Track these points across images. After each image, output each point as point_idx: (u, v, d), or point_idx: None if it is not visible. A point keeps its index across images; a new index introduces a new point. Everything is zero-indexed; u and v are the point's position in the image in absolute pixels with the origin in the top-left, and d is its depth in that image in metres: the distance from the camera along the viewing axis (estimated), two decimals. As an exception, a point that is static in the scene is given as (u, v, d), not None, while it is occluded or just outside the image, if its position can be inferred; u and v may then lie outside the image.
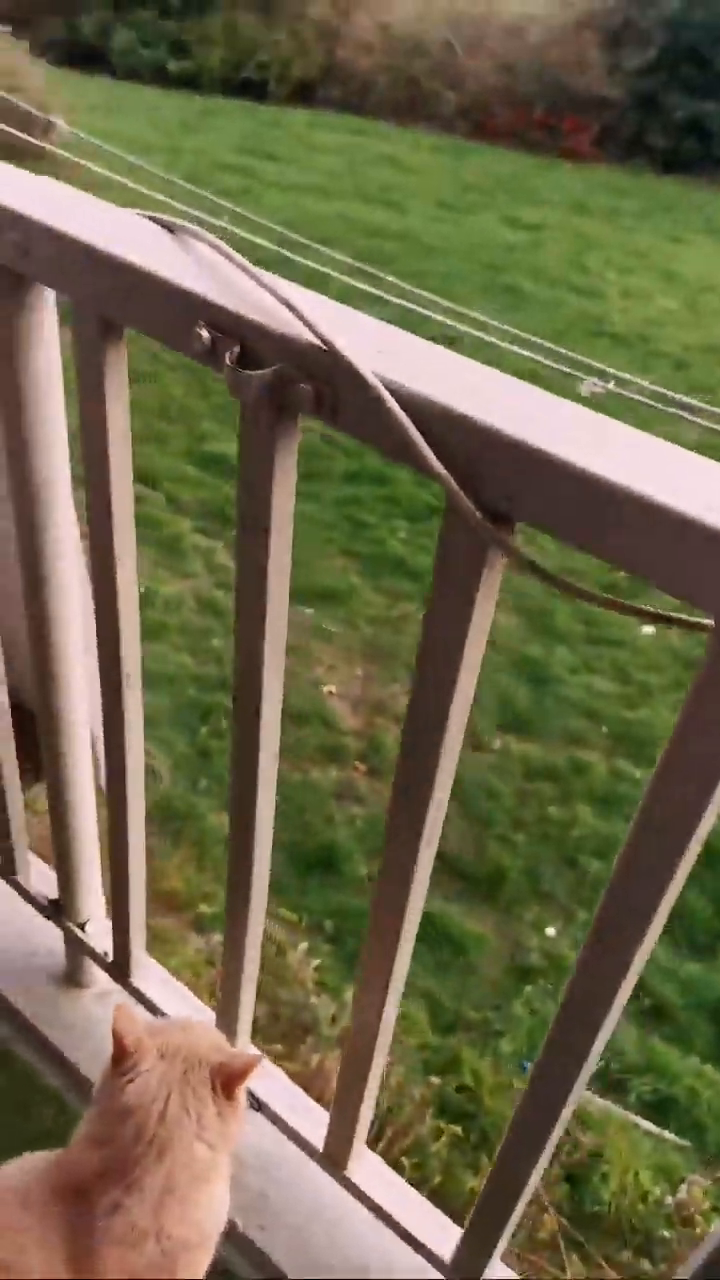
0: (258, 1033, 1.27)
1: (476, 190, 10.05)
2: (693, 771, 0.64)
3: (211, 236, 0.77)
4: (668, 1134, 3.27)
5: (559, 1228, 2.83)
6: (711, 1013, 3.67)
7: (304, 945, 3.44)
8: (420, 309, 5.34)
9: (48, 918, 1.46)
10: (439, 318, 5.24)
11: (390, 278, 5.97)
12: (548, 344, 5.34)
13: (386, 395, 0.64)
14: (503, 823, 4.54)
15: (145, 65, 10.98)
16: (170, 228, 0.80)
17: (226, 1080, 1.02)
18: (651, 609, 0.65)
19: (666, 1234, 2.97)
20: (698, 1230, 2.87)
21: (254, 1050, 1.16)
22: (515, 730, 4.92)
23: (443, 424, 0.64)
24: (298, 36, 11.05)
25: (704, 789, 0.64)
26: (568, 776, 4.82)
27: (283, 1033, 2.92)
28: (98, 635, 1.03)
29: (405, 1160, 2.62)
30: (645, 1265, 2.92)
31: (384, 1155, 1.24)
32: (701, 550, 0.56)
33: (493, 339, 5.48)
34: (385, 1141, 2.57)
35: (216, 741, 4.46)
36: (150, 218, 0.81)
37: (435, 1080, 3.38)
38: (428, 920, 4.30)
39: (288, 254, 5.66)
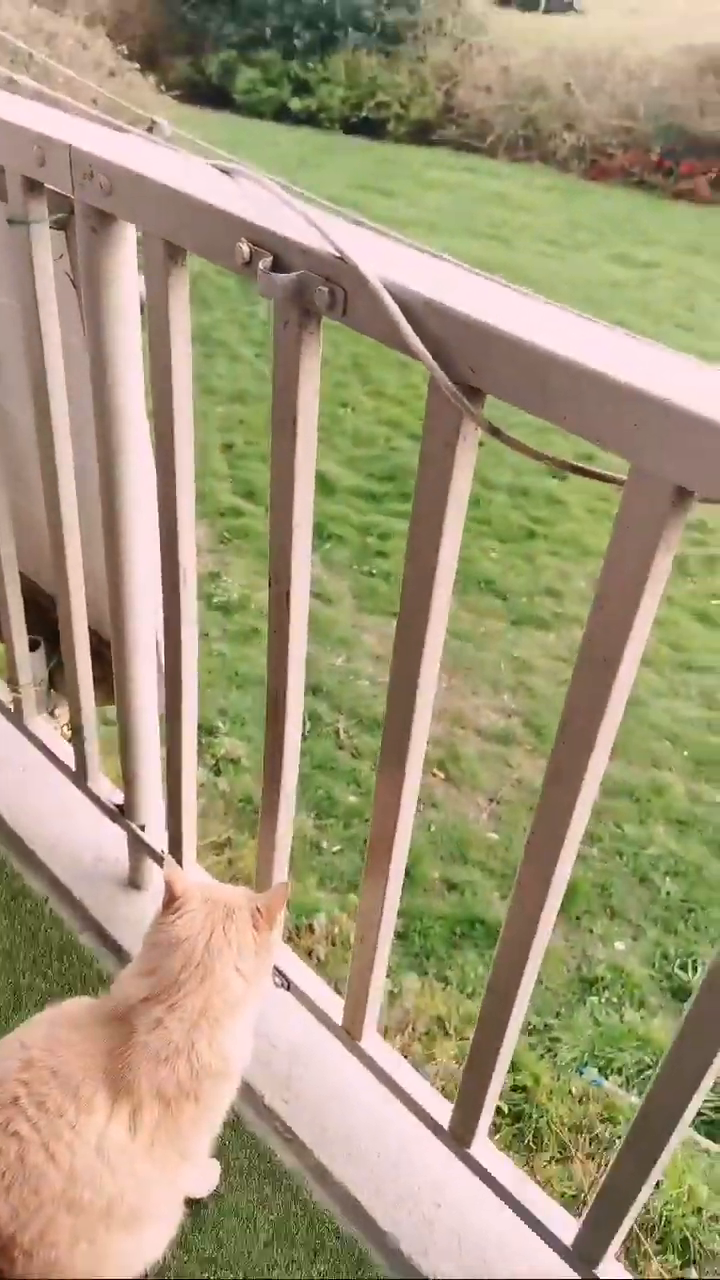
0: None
1: (587, 228, 10.15)
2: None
3: (259, 175, 0.93)
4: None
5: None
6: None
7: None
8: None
9: (113, 820, 1.63)
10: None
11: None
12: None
13: (382, 290, 0.79)
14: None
15: (267, 104, 11.49)
16: (227, 171, 0.96)
17: (268, 907, 1.17)
18: (591, 468, 0.78)
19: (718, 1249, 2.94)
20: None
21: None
22: (593, 748, 4.97)
23: (425, 312, 0.78)
24: (418, 77, 11.41)
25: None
26: (646, 796, 4.81)
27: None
28: (160, 536, 1.20)
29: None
30: (693, 1274, 2.90)
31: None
32: (641, 415, 0.68)
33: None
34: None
35: (301, 741, 4.63)
36: (211, 164, 0.98)
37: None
38: (497, 925, 4.32)
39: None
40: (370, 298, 0.79)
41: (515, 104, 11.15)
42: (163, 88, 9.26)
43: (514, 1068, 3.62)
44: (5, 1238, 1.09)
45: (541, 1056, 3.61)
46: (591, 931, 4.17)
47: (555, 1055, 3.62)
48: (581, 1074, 3.24)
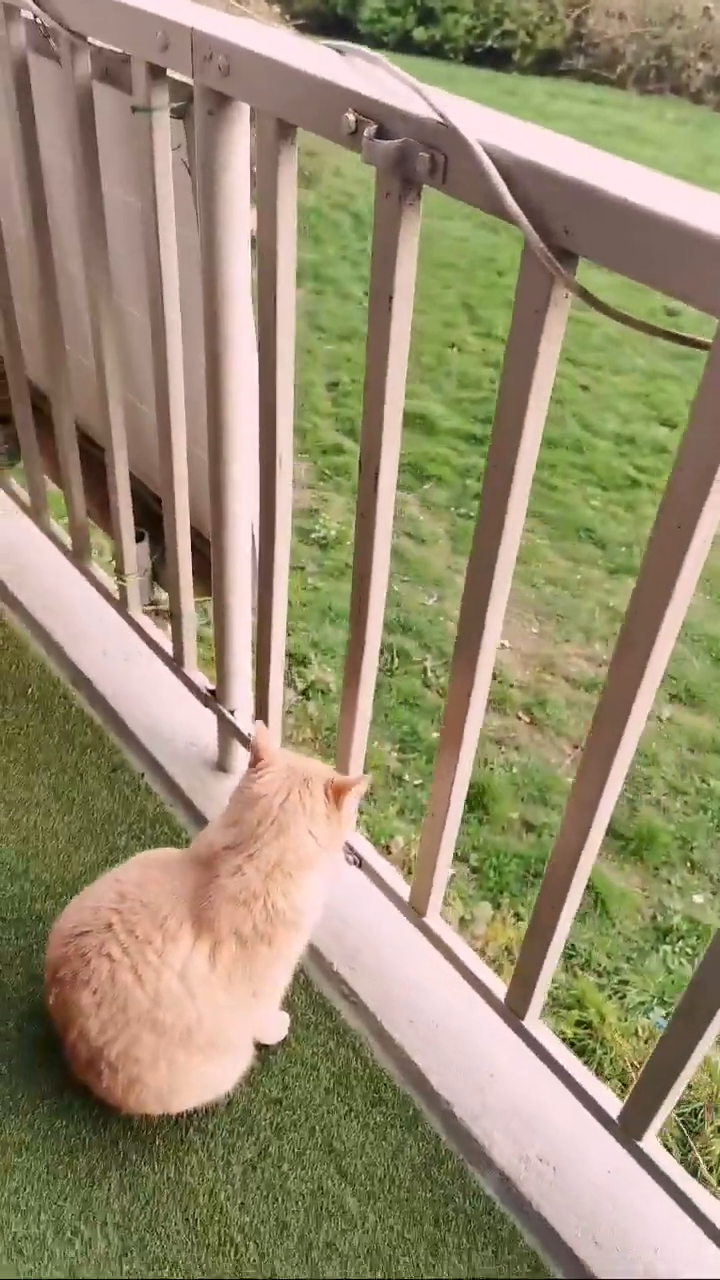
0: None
1: (719, 163, 9.71)
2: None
3: (371, 53, 0.96)
4: None
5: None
6: None
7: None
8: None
9: (205, 705, 1.72)
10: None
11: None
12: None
13: (480, 151, 0.81)
14: (660, 788, 4.55)
15: (392, 33, 11.24)
16: (340, 50, 0.99)
17: (339, 789, 1.24)
18: (676, 331, 0.80)
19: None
20: None
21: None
22: (685, 702, 4.90)
23: (522, 174, 0.80)
24: (547, 3, 10.98)
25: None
26: (734, 752, 4.75)
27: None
28: (259, 419, 1.25)
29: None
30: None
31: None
32: (711, 260, 0.69)
33: None
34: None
35: (387, 678, 4.69)
36: (326, 44, 1.01)
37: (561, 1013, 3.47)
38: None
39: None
40: (469, 161, 0.82)
41: (648, 31, 10.65)
42: (287, 17, 9.16)
43: (580, 1004, 3.69)
44: (94, 1051, 1.21)
45: (609, 997, 3.66)
46: (669, 883, 4.17)
47: (624, 998, 3.66)
48: (649, 1016, 3.27)
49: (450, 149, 0.85)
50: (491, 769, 4.57)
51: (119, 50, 1.21)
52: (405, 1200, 1.31)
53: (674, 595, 0.86)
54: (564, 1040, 3.33)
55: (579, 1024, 3.51)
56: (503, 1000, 1.32)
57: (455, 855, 4.20)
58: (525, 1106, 1.38)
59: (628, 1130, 1.22)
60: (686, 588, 0.86)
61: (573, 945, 3.80)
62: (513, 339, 0.88)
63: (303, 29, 9.60)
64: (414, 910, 1.42)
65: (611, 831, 4.35)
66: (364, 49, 0.98)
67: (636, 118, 10.26)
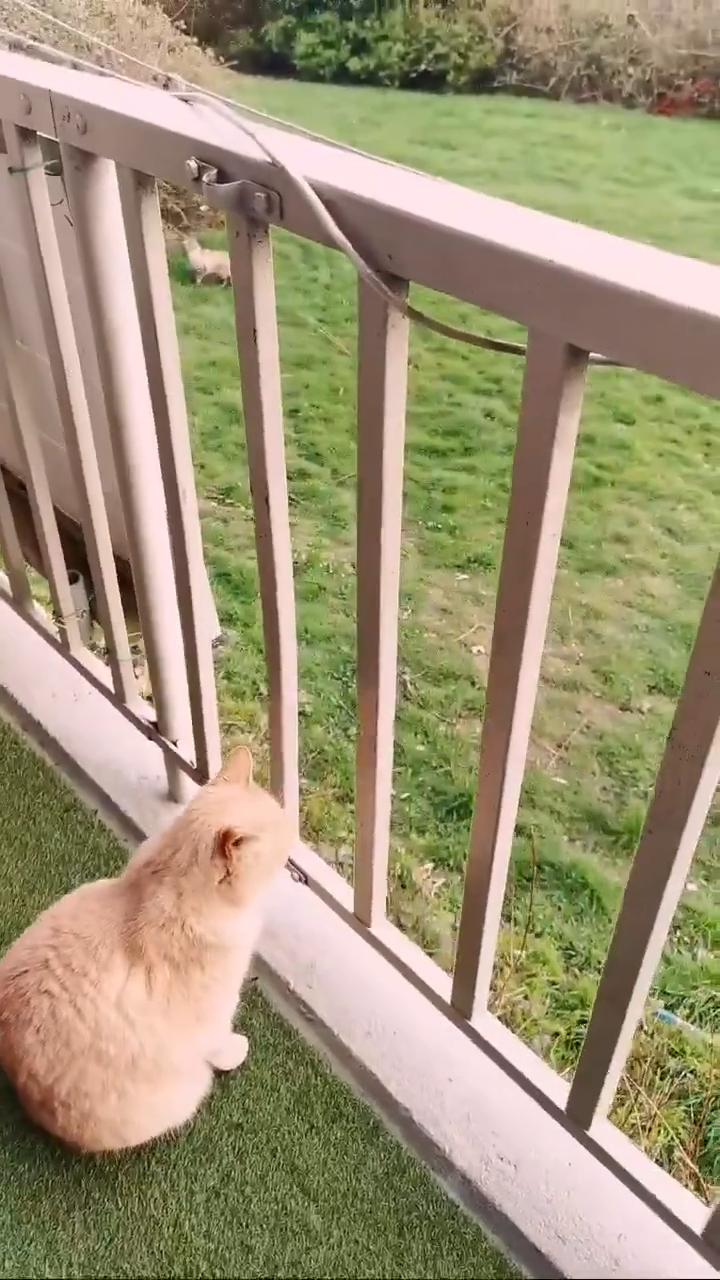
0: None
1: (656, 164, 9.87)
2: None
3: (216, 100, 1.00)
4: None
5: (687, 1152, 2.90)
6: None
7: (430, 865, 3.65)
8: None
9: (149, 737, 1.75)
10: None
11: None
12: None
13: (306, 186, 0.85)
14: (646, 780, 4.57)
15: (327, 66, 11.46)
16: (188, 100, 1.04)
17: (225, 837, 1.18)
18: (497, 339, 0.83)
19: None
20: None
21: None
22: (664, 692, 4.93)
23: (346, 205, 0.84)
24: (476, 24, 11.20)
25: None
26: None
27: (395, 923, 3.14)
28: (159, 449, 1.28)
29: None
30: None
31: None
32: (530, 280, 0.73)
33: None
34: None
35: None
36: (175, 95, 1.05)
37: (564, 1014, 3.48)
38: (566, 868, 4.33)
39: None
40: (298, 197, 0.86)
41: (577, 43, 10.87)
42: (221, 59, 9.32)
43: (583, 1003, 3.69)
44: (45, 1090, 1.22)
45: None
46: (663, 874, 4.18)
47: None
48: (658, 1015, 3.28)
49: (282, 187, 0.89)
50: (476, 775, 4.57)
51: (-10, 115, 1.26)
52: (369, 1212, 1.32)
53: (534, 590, 0.90)
54: (565, 1041, 3.33)
55: (582, 1022, 3.52)
56: (449, 1001, 1.34)
57: (445, 864, 4.18)
58: (484, 1106, 1.39)
59: (576, 1120, 1.23)
60: (545, 581, 0.90)
61: (571, 944, 3.82)
62: (361, 362, 0.92)
63: (237, 69, 9.76)
64: (359, 921, 1.45)
65: (601, 827, 4.40)
66: (209, 95, 1.02)
67: (572, 126, 10.44)
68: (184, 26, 9.20)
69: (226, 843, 1.18)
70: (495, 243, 0.74)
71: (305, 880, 1.50)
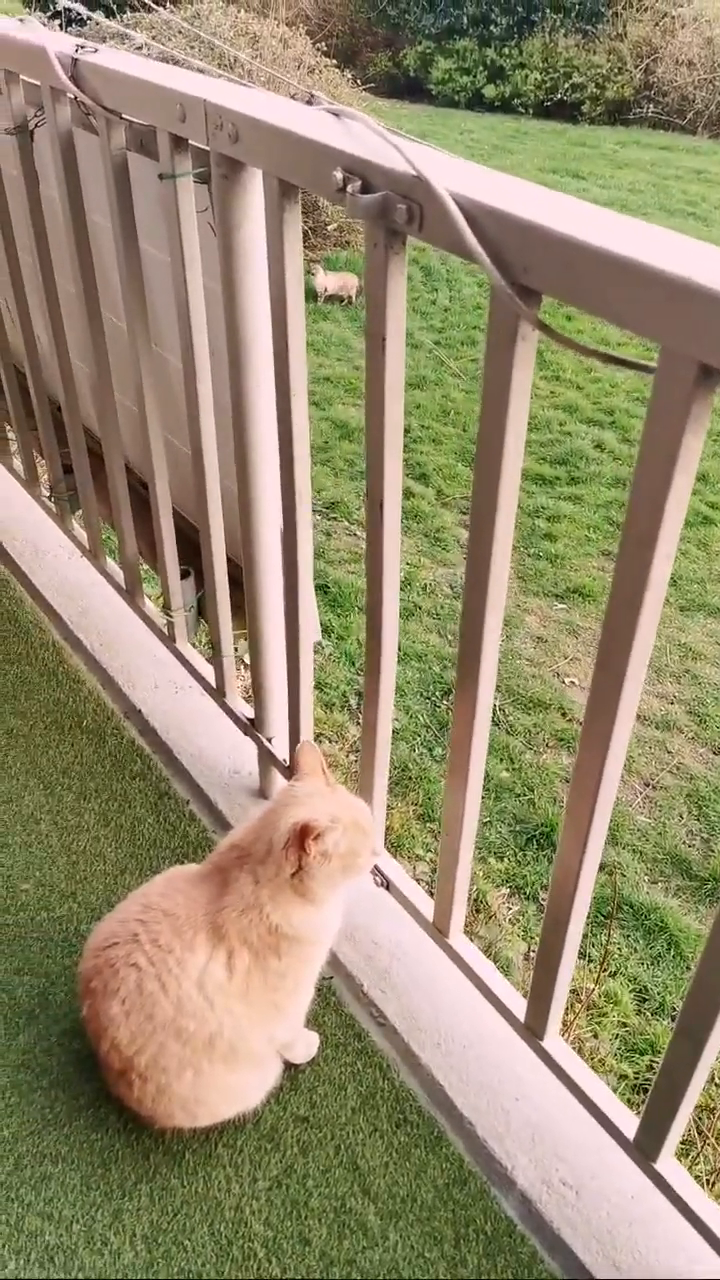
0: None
1: None
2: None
3: (362, 114, 1.04)
4: None
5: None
6: None
7: (506, 891, 3.62)
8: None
9: (245, 733, 1.79)
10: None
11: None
12: None
13: (448, 198, 0.88)
14: (733, 827, 4.45)
15: (462, 92, 11.56)
16: (336, 113, 1.08)
17: (303, 832, 1.20)
18: (625, 355, 0.84)
19: None
20: None
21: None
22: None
23: (485, 219, 0.86)
24: (616, 56, 11.16)
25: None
26: None
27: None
28: (279, 464, 1.33)
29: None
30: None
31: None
32: (666, 297, 0.74)
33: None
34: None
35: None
36: (323, 109, 1.09)
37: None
38: (646, 910, 4.24)
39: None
40: (439, 209, 0.88)
41: (718, 77, 10.71)
42: (358, 82, 9.52)
43: (651, 1048, 3.59)
44: (125, 1060, 1.26)
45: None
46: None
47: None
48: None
49: (424, 199, 0.91)
50: (562, 807, 4.50)
51: (146, 123, 1.33)
52: (426, 1219, 1.32)
53: (642, 615, 0.90)
54: (631, 1085, 3.25)
55: (650, 1069, 3.43)
56: (522, 1020, 1.33)
57: (521, 891, 4.13)
58: (549, 1128, 1.38)
59: (644, 1152, 1.21)
60: (654, 606, 0.90)
61: (645, 988, 3.73)
62: (487, 374, 0.94)
63: (373, 92, 9.94)
64: (438, 931, 1.45)
65: (685, 871, 4.29)
66: (354, 111, 1.06)
67: (707, 161, 10.29)
68: (324, 49, 9.44)
69: (305, 837, 1.20)
70: (631, 258, 0.75)
71: (388, 885, 1.52)
